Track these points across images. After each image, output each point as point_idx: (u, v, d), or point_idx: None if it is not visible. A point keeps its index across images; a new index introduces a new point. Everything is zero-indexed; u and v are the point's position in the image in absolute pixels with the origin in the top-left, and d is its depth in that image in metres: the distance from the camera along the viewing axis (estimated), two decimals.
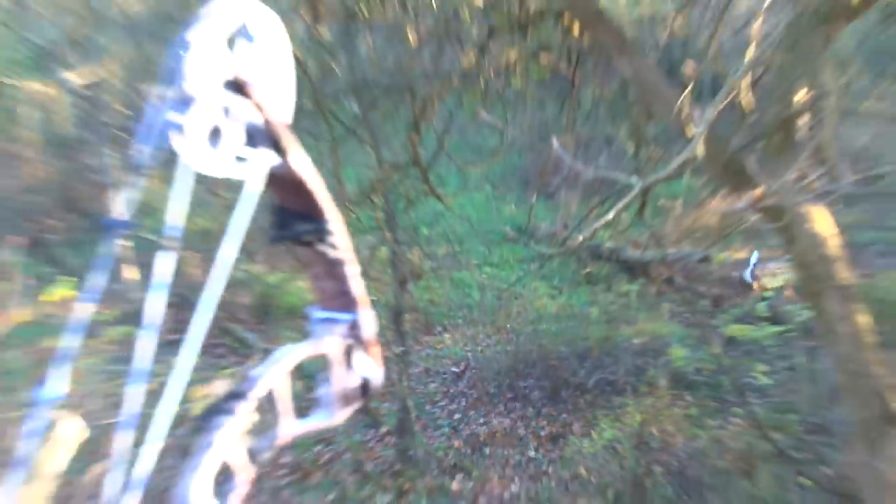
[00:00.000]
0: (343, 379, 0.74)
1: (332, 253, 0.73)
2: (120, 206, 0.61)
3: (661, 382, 6.31)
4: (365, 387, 0.76)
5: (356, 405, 0.76)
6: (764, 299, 7.10)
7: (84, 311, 0.63)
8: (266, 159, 0.68)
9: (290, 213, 0.72)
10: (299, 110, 0.71)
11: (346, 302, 0.74)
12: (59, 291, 4.87)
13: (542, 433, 6.28)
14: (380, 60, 5.42)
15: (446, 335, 7.63)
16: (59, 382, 0.64)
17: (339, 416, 0.76)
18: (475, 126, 6.27)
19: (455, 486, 5.77)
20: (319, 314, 0.75)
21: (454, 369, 7.18)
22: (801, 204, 3.91)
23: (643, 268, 7.80)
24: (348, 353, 0.75)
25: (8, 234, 4.98)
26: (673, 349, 6.56)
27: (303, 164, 0.70)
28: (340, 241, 0.74)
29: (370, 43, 5.44)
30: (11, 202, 5.52)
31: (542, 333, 7.25)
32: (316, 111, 4.53)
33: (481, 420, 6.45)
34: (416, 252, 6.54)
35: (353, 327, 0.74)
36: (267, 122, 0.66)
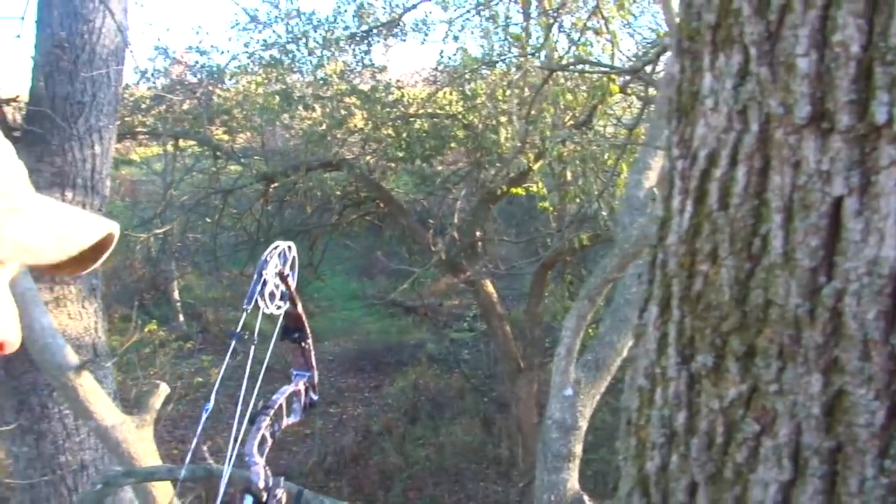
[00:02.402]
0: (303, 400, 1.42)
1: (305, 345, 1.42)
2: (237, 325, 1.20)
3: (423, 359, 10.80)
4: (312, 403, 1.46)
5: (308, 411, 1.46)
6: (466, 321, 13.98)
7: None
8: (287, 305, 1.33)
9: (290, 327, 1.40)
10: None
11: (307, 366, 1.44)
12: (150, 326, 8.74)
13: (372, 384, 11.00)
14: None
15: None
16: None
17: (302, 416, 1.44)
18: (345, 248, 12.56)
19: None
20: (296, 371, 1.45)
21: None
22: (482, 279, 7.91)
23: (416, 308, 13.00)
24: (307, 388, 1.43)
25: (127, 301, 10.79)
26: (428, 344, 11.62)
27: (299, 306, 1.37)
28: (308, 341, 1.42)
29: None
30: (126, 284, 11.37)
31: (373, 337, 12.52)
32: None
33: (348, 374, 11.86)
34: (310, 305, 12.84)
35: (310, 378, 1.44)
36: (289, 290, 1.32)
